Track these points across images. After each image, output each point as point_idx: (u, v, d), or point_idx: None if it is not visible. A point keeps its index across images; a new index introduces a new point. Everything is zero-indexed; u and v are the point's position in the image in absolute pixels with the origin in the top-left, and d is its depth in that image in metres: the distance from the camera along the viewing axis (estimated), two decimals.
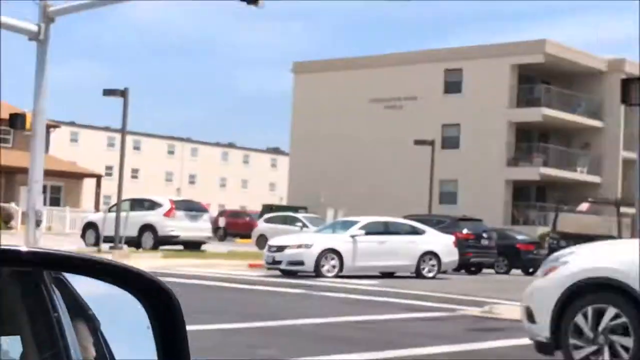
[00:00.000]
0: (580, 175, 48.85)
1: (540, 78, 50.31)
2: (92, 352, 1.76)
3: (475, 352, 10.94)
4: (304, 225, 38.40)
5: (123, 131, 29.50)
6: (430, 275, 25.65)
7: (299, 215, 41.06)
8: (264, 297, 17.97)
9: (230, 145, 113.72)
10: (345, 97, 53.75)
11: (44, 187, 27.31)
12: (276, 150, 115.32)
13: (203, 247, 33.40)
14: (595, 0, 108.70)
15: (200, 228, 33.10)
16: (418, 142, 42.39)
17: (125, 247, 28.60)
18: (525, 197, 50.14)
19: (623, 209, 44.95)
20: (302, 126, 55.53)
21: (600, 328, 8.00)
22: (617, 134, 49.85)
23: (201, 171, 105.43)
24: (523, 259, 32.01)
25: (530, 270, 32.62)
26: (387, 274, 25.69)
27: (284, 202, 60.83)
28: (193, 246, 32.49)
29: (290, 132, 57.37)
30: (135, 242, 30.71)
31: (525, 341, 12.07)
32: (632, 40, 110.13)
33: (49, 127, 34.63)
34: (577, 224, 23.72)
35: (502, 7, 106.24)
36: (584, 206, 44.22)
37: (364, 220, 25.74)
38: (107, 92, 29.21)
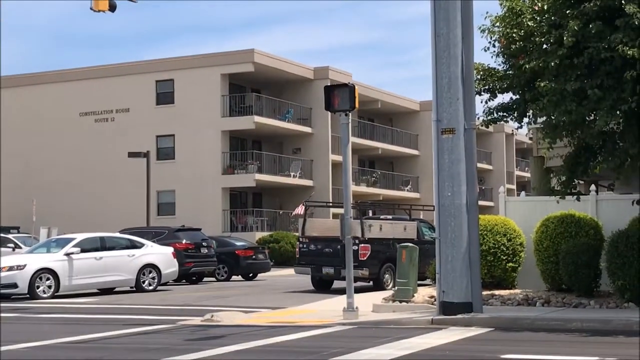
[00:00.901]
0: (293, 179, 50.43)
1: (250, 87, 51.38)
2: None
3: None
4: (17, 246, 36.70)
5: None
6: (151, 288, 25.49)
7: (11, 236, 39.18)
8: None
9: None
10: (55, 111, 52.01)
11: None
12: None
13: None
14: (301, 12, 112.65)
15: None
16: (132, 155, 41.88)
17: None
18: (243, 203, 51.01)
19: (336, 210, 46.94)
20: (9, 142, 53.04)
21: None
22: (325, 139, 51.97)
23: None
24: (242, 265, 32.53)
25: (250, 275, 33.29)
26: (107, 291, 25.22)
27: None
28: None
29: None
30: None
31: (245, 346, 12.33)
32: (336, 49, 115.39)
33: None
34: (322, 227, 24.98)
35: (209, 19, 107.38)
36: (299, 209, 45.83)
37: (79, 237, 25.11)
38: None
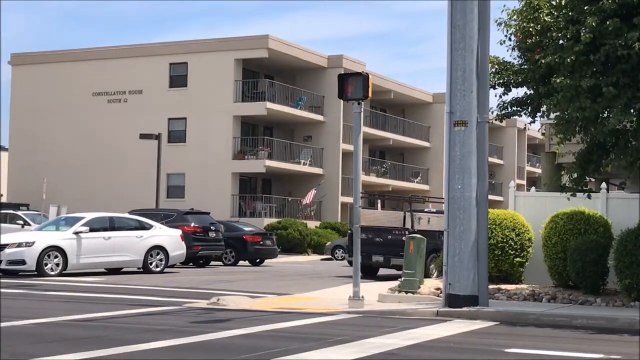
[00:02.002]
0: (303, 167, 50.43)
1: (264, 73, 51.37)
2: None
3: (200, 344, 11.02)
4: (26, 223, 36.87)
5: None
6: (158, 269, 25.58)
7: (20, 213, 39.34)
8: None
9: None
10: (67, 90, 52.11)
11: None
12: None
13: None
14: (316, 0, 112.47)
15: None
16: (144, 136, 41.95)
17: None
18: (252, 189, 51.06)
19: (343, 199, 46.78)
20: (21, 120, 53.21)
21: None
22: (337, 128, 51.97)
23: None
24: (250, 250, 32.62)
25: (257, 260, 33.36)
26: (114, 270, 25.32)
27: (4, 200, 58.04)
28: None
29: (9, 126, 54.82)
30: None
31: (250, 330, 12.37)
32: (350, 38, 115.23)
33: None
34: (370, 218, 26.16)
35: (225, 3, 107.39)
36: (309, 197, 45.87)
37: (89, 216, 25.20)
38: None
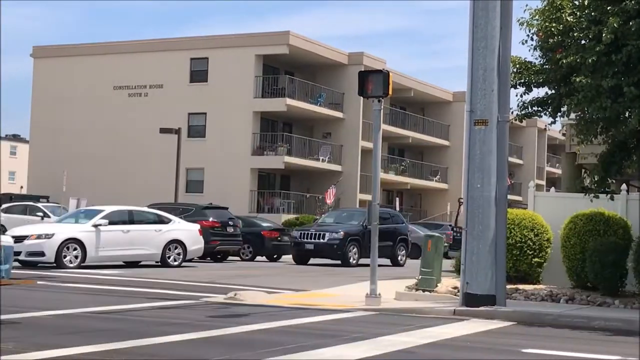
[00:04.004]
0: (322, 164, 50.45)
1: (284, 69, 51.44)
2: None
3: (217, 338, 11.06)
4: (45, 215, 37.08)
5: None
6: (176, 263, 25.67)
7: (40, 205, 39.56)
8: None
9: None
10: (88, 83, 52.36)
11: None
12: (15, 138, 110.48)
13: None
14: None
15: None
16: (164, 130, 42.07)
17: None
18: (271, 185, 51.15)
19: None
20: (42, 112, 53.52)
21: None
22: (356, 125, 51.96)
23: None
24: (267, 246, 32.64)
25: (275, 256, 33.40)
26: (132, 264, 25.43)
27: (25, 191, 58.37)
28: None
29: (30, 118, 55.15)
30: None
31: (267, 325, 12.40)
32: (371, 35, 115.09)
33: None
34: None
35: (246, 2, 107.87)
36: (330, 194, 45.84)
37: (108, 209, 25.32)
38: None
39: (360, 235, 29.32)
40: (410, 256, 32.96)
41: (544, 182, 70.94)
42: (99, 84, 52.02)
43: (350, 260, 29.18)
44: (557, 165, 73.39)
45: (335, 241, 29.14)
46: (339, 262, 29.36)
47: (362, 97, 17.21)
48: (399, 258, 31.51)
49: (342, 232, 29.32)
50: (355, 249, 29.36)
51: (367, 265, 18.48)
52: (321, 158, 50.38)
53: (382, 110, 16.40)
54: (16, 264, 23.27)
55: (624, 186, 20.19)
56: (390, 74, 16.31)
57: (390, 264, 30.69)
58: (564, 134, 26.39)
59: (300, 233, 30.25)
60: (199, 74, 50.05)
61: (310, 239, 29.56)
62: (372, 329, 12.37)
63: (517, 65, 17.02)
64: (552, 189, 23.82)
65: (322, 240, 29.44)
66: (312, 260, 30.28)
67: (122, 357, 9.35)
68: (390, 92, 16.03)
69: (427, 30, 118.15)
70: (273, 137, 49.68)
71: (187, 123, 49.05)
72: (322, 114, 50.95)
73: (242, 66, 48.52)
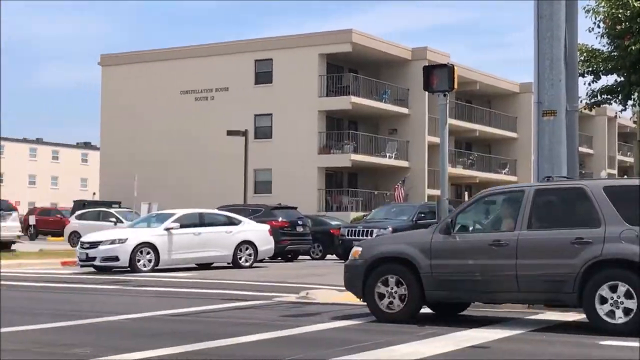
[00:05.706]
0: (389, 160, 50.36)
1: (348, 67, 51.47)
2: None
3: (292, 338, 11.12)
4: (118, 220, 37.71)
5: None
6: (247, 264, 25.85)
7: (113, 210, 40.25)
8: (78, 295, 17.53)
9: (38, 141, 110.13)
10: (155, 89, 53.11)
11: None
12: (87, 145, 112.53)
13: (13, 246, 32.25)
14: None
15: (8, 227, 31.95)
16: (231, 133, 42.45)
17: None
18: (338, 183, 51.24)
19: None
20: (112, 119, 54.46)
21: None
22: (422, 120, 51.74)
23: (8, 169, 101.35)
24: (337, 244, 32.63)
25: (345, 254, 33.42)
26: (204, 266, 25.68)
27: (97, 198, 59.42)
28: (2, 246, 31.27)
29: (100, 125, 56.14)
30: None
31: (341, 324, 12.43)
32: (434, 29, 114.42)
33: None
34: None
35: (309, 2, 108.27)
36: (399, 192, 45.72)
37: (179, 212, 25.61)
38: None
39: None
40: None
41: (615, 171, 69.72)
42: (166, 89, 52.71)
43: None
44: (628, 153, 72.04)
45: None
46: None
47: (427, 92, 17.11)
48: None
49: (390, 228, 28.35)
50: None
51: None
52: (388, 155, 50.28)
53: (447, 105, 16.29)
54: (91, 269, 23.78)
55: None
56: (455, 67, 16.17)
57: None
58: (635, 122, 25.93)
59: (348, 230, 29.61)
60: (263, 76, 50.37)
61: (358, 236, 28.95)
62: (447, 325, 12.29)
63: (585, 54, 16.79)
64: (624, 177, 23.43)
65: (369, 237, 29.16)
66: None
67: (198, 357, 9.46)
68: (455, 86, 15.90)
69: (491, 21, 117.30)
70: (339, 136, 49.75)
71: (253, 124, 49.41)
72: (387, 110, 50.84)
73: (306, 66, 48.68)
